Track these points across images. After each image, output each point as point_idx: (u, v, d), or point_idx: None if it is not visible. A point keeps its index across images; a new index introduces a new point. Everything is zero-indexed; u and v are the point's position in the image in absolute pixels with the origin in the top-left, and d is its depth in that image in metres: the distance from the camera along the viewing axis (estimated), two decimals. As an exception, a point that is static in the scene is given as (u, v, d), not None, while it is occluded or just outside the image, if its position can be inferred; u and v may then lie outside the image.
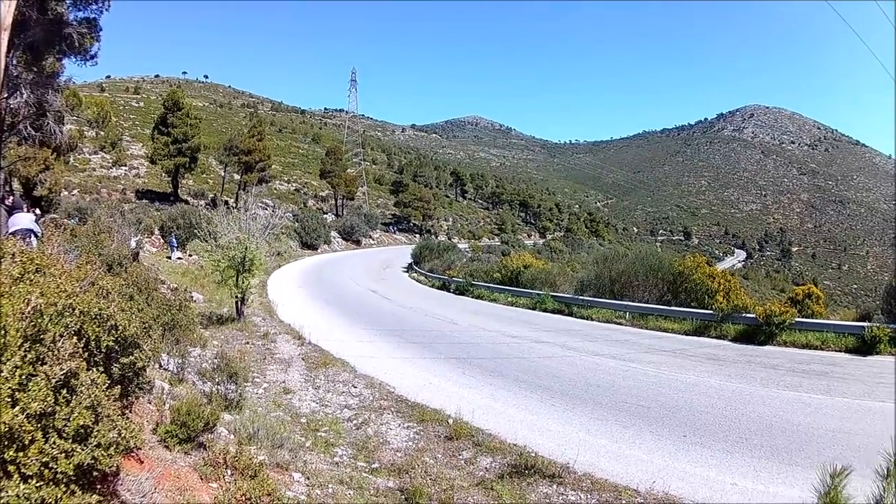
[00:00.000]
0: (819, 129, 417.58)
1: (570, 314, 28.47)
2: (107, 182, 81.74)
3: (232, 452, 6.93)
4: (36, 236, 15.46)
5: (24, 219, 15.81)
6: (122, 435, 4.18)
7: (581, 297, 29.42)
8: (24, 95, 24.16)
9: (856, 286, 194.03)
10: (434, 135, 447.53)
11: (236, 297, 22.33)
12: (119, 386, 5.07)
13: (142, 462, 5.96)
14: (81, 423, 3.86)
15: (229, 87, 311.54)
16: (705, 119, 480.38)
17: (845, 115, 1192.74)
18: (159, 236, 49.55)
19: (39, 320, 4.09)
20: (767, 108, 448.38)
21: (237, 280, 21.94)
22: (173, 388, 9.75)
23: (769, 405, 13.16)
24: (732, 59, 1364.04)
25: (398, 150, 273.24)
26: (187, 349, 12.46)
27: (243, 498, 5.61)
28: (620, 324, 25.99)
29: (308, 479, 8.20)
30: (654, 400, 13.69)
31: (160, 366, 11.12)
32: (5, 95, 21.23)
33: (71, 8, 25.43)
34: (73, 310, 4.61)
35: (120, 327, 5.21)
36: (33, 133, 27.31)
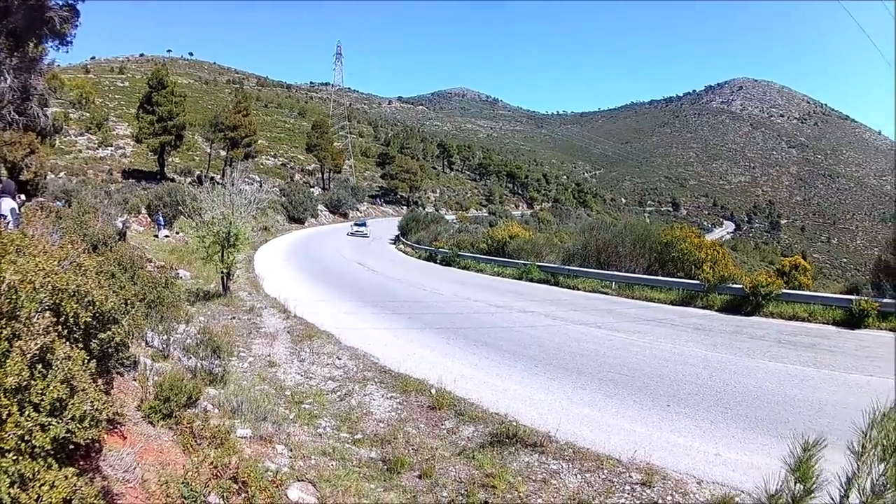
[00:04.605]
0: (808, 103, 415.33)
1: (556, 284, 28.72)
2: (93, 163, 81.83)
3: (199, 422, 7.00)
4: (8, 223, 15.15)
5: (3, 205, 15.70)
6: (95, 406, 4.23)
7: (567, 267, 29.66)
8: (8, 80, 24.14)
9: (845, 260, 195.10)
10: (421, 107, 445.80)
11: (222, 272, 22.37)
12: (99, 361, 5.12)
13: (125, 438, 6.01)
14: (56, 396, 3.90)
15: (214, 63, 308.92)
16: (693, 91, 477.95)
17: (835, 90, 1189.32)
18: (146, 215, 49.51)
19: (15, 297, 4.14)
20: (756, 81, 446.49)
21: (222, 255, 21.97)
22: (157, 364, 9.75)
23: (755, 376, 13.24)
24: (721, 32, 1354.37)
25: (385, 122, 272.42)
26: (173, 326, 12.45)
27: (211, 466, 5.67)
28: (606, 293, 26.19)
29: (291, 451, 8.22)
30: (638, 369, 13.76)
31: (146, 343, 11.16)
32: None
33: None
34: (50, 286, 4.67)
35: (97, 303, 5.26)
36: (17, 117, 27.31)
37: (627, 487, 8.11)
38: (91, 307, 5.14)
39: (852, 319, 19.46)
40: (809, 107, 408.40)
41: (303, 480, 7.16)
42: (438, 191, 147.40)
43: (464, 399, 11.29)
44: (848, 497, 3.92)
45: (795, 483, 4.04)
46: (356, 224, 70.63)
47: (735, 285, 22.80)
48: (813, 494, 4.01)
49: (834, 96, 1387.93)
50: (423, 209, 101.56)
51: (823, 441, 4.08)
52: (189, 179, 76.57)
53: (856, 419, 4.03)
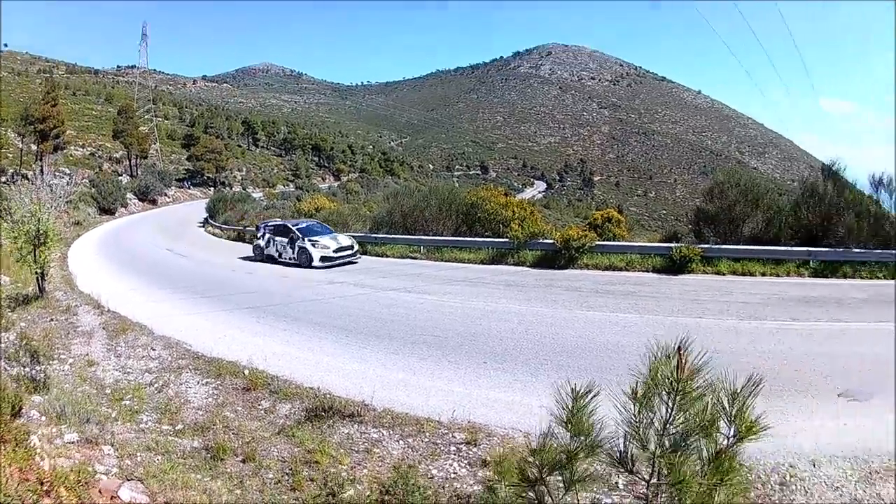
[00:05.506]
0: (622, 66, 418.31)
1: (365, 253, 29.55)
2: None
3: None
4: None
5: None
6: None
7: (375, 235, 30.86)
8: None
9: (665, 212, 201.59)
10: (225, 84, 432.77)
11: (36, 273, 22.16)
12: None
13: (-44, 458, 6.15)
14: None
15: (26, 53, 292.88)
16: (501, 57, 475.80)
17: (649, 55, 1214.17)
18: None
19: None
20: (566, 46, 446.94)
21: (35, 255, 21.87)
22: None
23: (574, 327, 14.12)
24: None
25: (190, 103, 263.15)
26: (-3, 335, 12.52)
27: (18, 470, 5.95)
28: (415, 258, 27.43)
29: (117, 450, 8.21)
30: (451, 329, 14.47)
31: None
32: None
33: None
34: None
35: None
36: None
37: (453, 448, 8.55)
38: None
39: (674, 266, 20.76)
40: (623, 69, 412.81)
41: (132, 479, 7.14)
42: (245, 169, 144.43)
43: (277, 377, 11.58)
44: (632, 445, 4.03)
45: (571, 437, 4.16)
46: (311, 229, 29.50)
47: (546, 241, 23.94)
48: (599, 448, 4.14)
49: (650, 61, 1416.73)
50: (231, 189, 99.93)
51: (596, 389, 4.28)
52: (4, 178, 73.63)
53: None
